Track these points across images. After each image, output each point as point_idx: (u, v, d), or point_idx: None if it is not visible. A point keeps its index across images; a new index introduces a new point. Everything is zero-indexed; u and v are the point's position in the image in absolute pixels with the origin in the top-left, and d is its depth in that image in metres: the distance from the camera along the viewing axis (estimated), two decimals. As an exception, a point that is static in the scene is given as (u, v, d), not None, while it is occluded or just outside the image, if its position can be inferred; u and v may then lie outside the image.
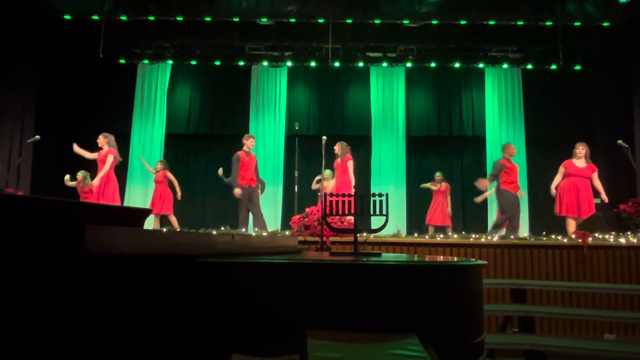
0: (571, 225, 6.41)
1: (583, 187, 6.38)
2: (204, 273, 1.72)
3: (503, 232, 6.70)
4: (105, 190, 6.62)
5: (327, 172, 8.36)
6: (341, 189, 6.65)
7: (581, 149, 6.57)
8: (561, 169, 6.65)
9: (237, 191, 6.84)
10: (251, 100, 10.30)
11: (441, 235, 5.54)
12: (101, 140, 6.82)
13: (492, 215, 9.95)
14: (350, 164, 7.06)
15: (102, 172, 6.60)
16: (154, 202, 8.33)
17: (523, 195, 6.87)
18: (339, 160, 7.12)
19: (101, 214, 1.81)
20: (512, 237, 5.60)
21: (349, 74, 10.35)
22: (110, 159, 6.67)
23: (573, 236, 5.27)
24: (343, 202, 2.69)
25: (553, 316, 4.71)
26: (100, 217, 1.73)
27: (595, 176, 6.51)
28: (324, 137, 6.64)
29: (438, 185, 9.03)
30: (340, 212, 2.71)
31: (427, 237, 5.43)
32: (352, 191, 2.67)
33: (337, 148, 7.13)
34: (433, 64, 9.98)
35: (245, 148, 7.08)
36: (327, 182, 7.84)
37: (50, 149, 8.31)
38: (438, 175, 9.16)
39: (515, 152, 7.11)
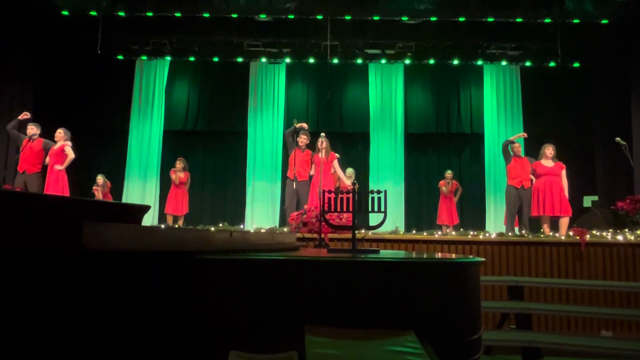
0: (547, 224, 6.45)
1: (556, 185, 6.44)
2: (202, 270, 1.72)
3: (515, 229, 6.69)
4: (63, 180, 6.69)
5: (349, 170, 8.29)
6: (326, 186, 6.23)
7: (551, 150, 6.64)
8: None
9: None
10: (249, 97, 10.29)
11: (439, 233, 5.55)
12: (61, 134, 6.81)
13: (490, 213, 9.99)
14: (336, 163, 6.95)
15: (69, 159, 6.70)
16: (174, 203, 8.40)
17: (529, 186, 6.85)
18: (322, 155, 6.55)
19: (99, 210, 1.80)
20: (509, 234, 5.61)
21: (347, 71, 10.34)
22: (69, 149, 6.73)
23: (571, 233, 5.28)
24: (341, 199, 2.69)
25: (550, 313, 4.73)
26: (99, 213, 1.73)
27: (563, 173, 6.57)
28: (323, 134, 6.62)
29: (449, 184, 9.06)
30: (338, 209, 2.71)
31: (425, 234, 5.43)
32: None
33: (324, 142, 6.57)
34: (432, 61, 9.97)
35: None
36: (349, 180, 7.70)
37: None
38: (449, 173, 9.17)
39: (518, 150, 7.10)
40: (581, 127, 9.85)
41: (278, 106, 10.30)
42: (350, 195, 2.68)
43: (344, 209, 2.69)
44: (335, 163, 6.93)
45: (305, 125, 6.91)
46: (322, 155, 6.63)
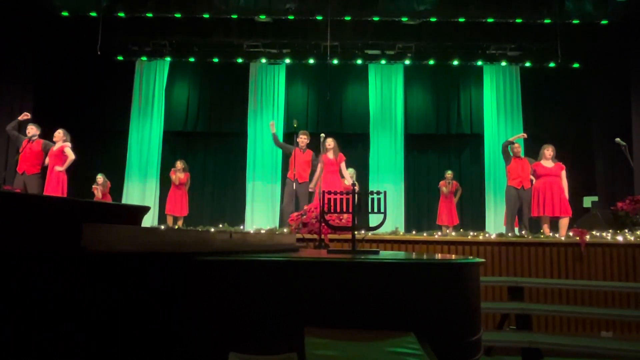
0: (547, 224, 6.45)
1: (556, 186, 6.44)
2: (202, 271, 1.72)
3: (515, 229, 6.69)
4: (63, 181, 6.68)
5: (350, 171, 8.29)
6: (335, 186, 6.32)
7: (551, 151, 6.63)
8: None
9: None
10: (249, 98, 10.29)
11: (439, 233, 5.55)
12: (60, 135, 6.78)
13: (490, 213, 9.99)
14: (344, 165, 6.95)
15: (69, 160, 6.67)
16: (173, 204, 8.38)
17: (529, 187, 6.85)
18: (331, 156, 6.80)
19: (99, 211, 1.80)
20: (509, 234, 5.61)
21: (347, 72, 10.33)
22: (69, 150, 6.71)
23: (571, 233, 5.28)
24: (341, 199, 2.69)
25: (550, 314, 4.73)
26: (99, 214, 1.73)
27: (563, 174, 6.57)
28: (323, 135, 6.63)
29: (449, 184, 9.05)
30: (338, 210, 2.71)
31: (424, 234, 5.43)
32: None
33: (332, 143, 6.84)
34: (431, 62, 9.97)
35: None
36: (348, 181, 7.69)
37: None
38: (449, 173, 9.17)
39: (518, 150, 7.09)
40: (581, 127, 9.84)
41: (278, 107, 10.30)
42: (350, 196, 2.68)
43: (344, 210, 2.69)
44: (343, 164, 6.94)
45: (272, 125, 7.00)
46: (330, 155, 6.71)
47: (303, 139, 6.94)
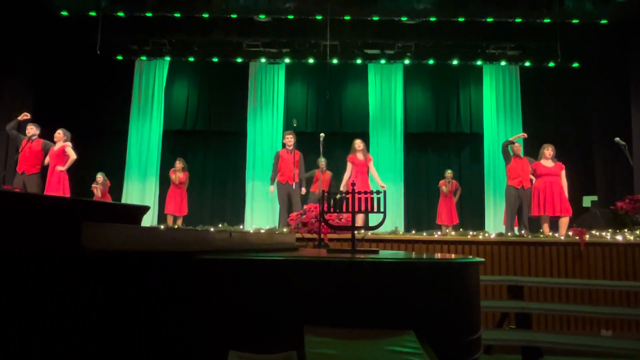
0: (547, 224, 6.45)
1: (556, 185, 6.44)
2: (202, 270, 1.72)
3: (514, 229, 6.68)
4: (64, 181, 6.67)
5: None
6: (364, 188, 6.42)
7: (550, 151, 6.62)
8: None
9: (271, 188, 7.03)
10: (249, 97, 10.28)
11: (438, 233, 5.55)
12: (61, 135, 6.78)
13: (490, 213, 9.99)
14: (372, 164, 6.98)
15: (70, 160, 6.67)
16: (173, 204, 8.38)
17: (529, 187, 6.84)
18: (360, 157, 6.86)
19: (99, 210, 1.80)
20: (509, 234, 5.61)
21: (346, 71, 10.33)
22: (70, 150, 6.70)
23: (570, 233, 5.29)
24: (341, 199, 2.69)
25: (550, 312, 4.73)
26: (98, 214, 1.73)
27: (563, 174, 6.57)
28: (322, 134, 6.64)
29: (449, 184, 9.05)
30: (338, 209, 2.71)
31: (424, 234, 5.43)
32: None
33: (361, 144, 6.92)
34: (431, 61, 9.97)
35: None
36: (325, 175, 7.73)
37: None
38: (449, 172, 9.17)
39: (518, 150, 7.09)
40: (581, 127, 9.84)
41: (277, 106, 10.30)
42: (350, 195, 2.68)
43: (344, 210, 2.69)
44: (372, 164, 6.95)
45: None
46: (360, 156, 6.73)
47: (289, 139, 6.93)
